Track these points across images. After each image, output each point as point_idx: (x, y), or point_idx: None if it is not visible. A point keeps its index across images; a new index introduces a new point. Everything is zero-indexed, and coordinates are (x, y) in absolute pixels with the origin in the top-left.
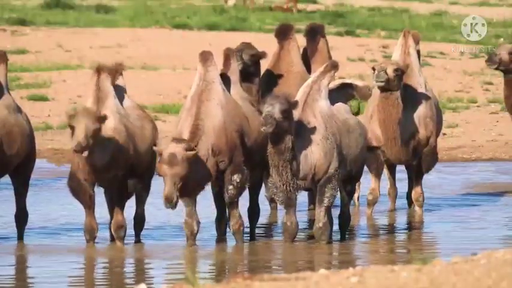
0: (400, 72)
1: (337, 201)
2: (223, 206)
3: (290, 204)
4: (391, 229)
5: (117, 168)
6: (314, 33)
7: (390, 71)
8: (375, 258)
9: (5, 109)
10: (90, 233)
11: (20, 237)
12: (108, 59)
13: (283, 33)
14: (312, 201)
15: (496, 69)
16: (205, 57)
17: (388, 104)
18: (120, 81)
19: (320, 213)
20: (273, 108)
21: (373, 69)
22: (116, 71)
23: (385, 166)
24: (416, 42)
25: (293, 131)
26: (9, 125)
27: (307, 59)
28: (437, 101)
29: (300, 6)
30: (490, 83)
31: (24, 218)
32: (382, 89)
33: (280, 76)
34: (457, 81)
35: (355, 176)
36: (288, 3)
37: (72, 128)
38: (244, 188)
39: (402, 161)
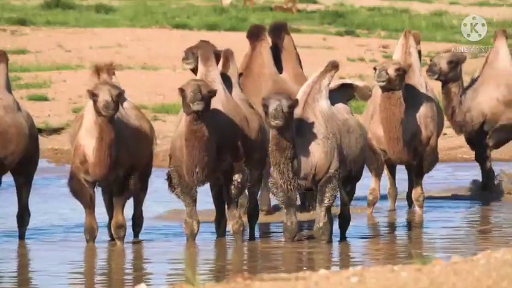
0: (402, 71)
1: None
2: (223, 206)
3: (290, 204)
4: (391, 229)
5: (119, 167)
6: (278, 31)
7: (391, 71)
8: (375, 258)
9: (1, 109)
10: (91, 233)
11: (22, 236)
12: (108, 59)
13: (255, 35)
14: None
15: (437, 79)
16: (206, 56)
17: (391, 104)
18: (114, 82)
19: (320, 213)
20: (280, 103)
21: (375, 69)
22: (110, 71)
23: (385, 166)
24: (417, 42)
25: (294, 129)
26: (5, 125)
27: (274, 57)
28: (438, 101)
29: (300, 6)
30: None
31: (26, 218)
32: (384, 89)
33: (252, 77)
34: None
35: (355, 176)
36: (287, 3)
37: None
38: (244, 188)
39: (403, 161)
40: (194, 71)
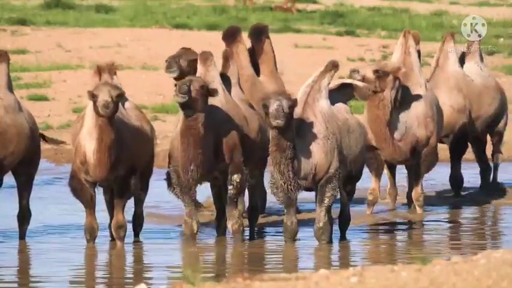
0: (382, 73)
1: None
2: (223, 206)
3: (290, 204)
4: (391, 229)
5: (120, 168)
6: (259, 34)
7: (369, 72)
8: (375, 258)
9: (1, 109)
10: (91, 233)
11: (22, 236)
12: (108, 59)
13: (231, 36)
14: None
15: None
16: (205, 57)
17: (373, 106)
18: (115, 82)
19: (320, 213)
20: (281, 103)
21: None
22: (112, 71)
23: (385, 166)
24: (417, 42)
25: (294, 129)
26: (4, 125)
27: (253, 60)
28: (438, 101)
29: (300, 6)
30: None
31: (27, 218)
32: None
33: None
34: None
35: (355, 176)
36: (287, 3)
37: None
38: (244, 188)
39: (399, 161)
40: (177, 79)
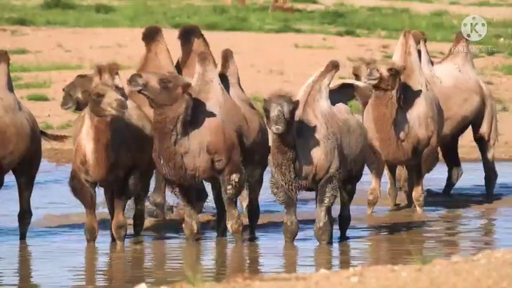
0: (394, 72)
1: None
2: (223, 206)
3: (291, 204)
4: (391, 229)
5: (120, 167)
6: (187, 35)
7: (384, 70)
8: (375, 258)
9: (0, 109)
10: (91, 233)
11: (22, 236)
12: (108, 59)
13: (149, 36)
14: None
15: (375, 86)
16: (204, 57)
17: (381, 104)
18: (117, 82)
19: (321, 213)
20: (282, 108)
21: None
22: (113, 71)
23: (385, 166)
24: (417, 42)
25: (295, 130)
26: (4, 125)
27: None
28: (438, 100)
29: (300, 6)
30: (490, 83)
31: (27, 218)
32: (375, 88)
33: None
34: None
35: (355, 176)
36: (286, 2)
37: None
38: (242, 188)
39: (401, 161)
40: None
